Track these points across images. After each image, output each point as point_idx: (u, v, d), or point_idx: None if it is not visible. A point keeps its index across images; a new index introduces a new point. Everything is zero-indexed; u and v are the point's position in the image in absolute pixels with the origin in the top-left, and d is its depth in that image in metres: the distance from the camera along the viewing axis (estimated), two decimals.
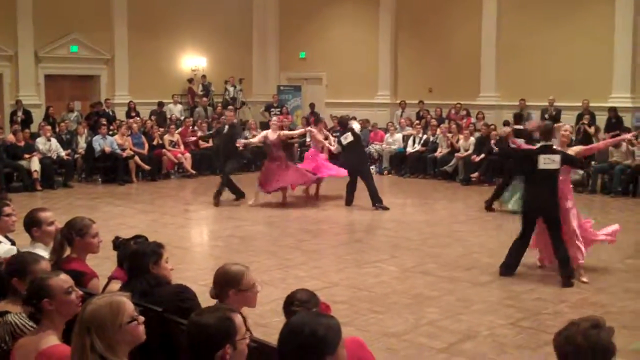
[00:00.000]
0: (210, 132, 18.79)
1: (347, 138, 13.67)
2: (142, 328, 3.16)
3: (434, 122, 19.20)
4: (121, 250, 5.30)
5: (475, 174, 16.99)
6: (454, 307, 7.62)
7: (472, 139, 17.56)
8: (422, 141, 18.68)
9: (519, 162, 10.56)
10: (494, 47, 20.24)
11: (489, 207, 13.42)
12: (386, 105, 22.39)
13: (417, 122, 19.84)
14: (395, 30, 22.37)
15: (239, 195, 14.30)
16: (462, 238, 11.26)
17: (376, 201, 13.47)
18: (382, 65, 22.57)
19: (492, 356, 6.25)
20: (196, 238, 12.03)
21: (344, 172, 14.22)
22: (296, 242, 10.89)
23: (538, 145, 8.89)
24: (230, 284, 4.04)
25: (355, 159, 13.75)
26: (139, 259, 4.68)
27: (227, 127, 14.61)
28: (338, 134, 14.93)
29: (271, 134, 13.96)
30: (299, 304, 3.83)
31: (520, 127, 13.98)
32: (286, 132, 15.87)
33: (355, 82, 22.53)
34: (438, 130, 18.51)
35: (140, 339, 3.17)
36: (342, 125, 14.30)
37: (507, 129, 14.92)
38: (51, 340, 3.51)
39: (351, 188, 13.75)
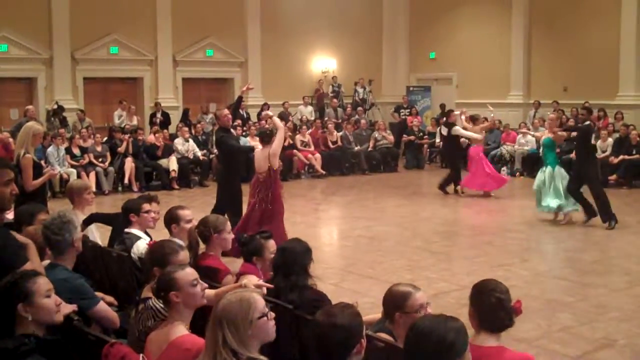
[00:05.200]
0: None
1: None
2: (272, 324, 3.23)
3: (571, 122, 18.49)
4: (247, 247, 5.47)
5: (613, 176, 16.30)
6: (589, 313, 7.35)
7: (610, 140, 16.86)
8: None
9: None
10: (634, 43, 19.25)
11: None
12: (519, 106, 21.85)
13: None
14: (529, 29, 21.80)
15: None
16: (598, 242, 10.85)
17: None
18: (514, 64, 22.04)
19: None
20: (325, 237, 12.14)
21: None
22: (426, 243, 10.81)
23: None
24: (397, 307, 3.84)
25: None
26: (291, 257, 4.75)
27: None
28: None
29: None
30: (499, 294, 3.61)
31: None
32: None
33: (487, 82, 22.06)
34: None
35: (270, 337, 3.23)
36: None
37: None
38: (180, 330, 3.66)
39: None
